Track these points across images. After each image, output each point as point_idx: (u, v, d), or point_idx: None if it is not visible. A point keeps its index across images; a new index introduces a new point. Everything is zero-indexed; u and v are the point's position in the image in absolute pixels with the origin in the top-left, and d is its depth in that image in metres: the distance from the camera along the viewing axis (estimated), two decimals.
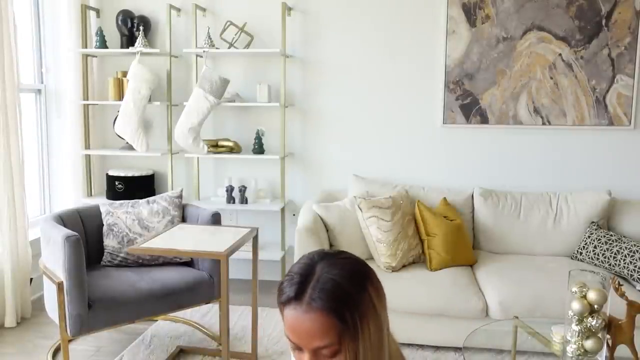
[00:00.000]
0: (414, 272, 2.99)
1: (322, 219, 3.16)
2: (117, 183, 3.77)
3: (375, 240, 3.08)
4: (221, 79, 3.51)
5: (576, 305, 1.69)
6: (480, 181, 3.67)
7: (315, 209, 3.18)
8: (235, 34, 3.70)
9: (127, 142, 3.78)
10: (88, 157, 3.97)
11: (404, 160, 3.77)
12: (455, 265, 3.10)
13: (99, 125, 4.06)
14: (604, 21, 3.45)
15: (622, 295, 1.84)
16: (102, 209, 2.94)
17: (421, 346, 2.92)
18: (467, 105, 3.63)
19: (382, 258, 3.06)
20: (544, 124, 3.58)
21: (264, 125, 3.82)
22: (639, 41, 3.43)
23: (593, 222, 3.25)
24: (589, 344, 1.71)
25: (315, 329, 0.91)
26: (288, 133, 3.84)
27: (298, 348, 0.96)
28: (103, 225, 2.92)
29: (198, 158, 3.89)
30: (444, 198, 3.37)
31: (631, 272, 2.92)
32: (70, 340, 2.71)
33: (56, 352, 2.82)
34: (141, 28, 3.71)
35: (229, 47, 3.69)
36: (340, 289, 0.92)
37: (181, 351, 2.88)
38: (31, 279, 3.36)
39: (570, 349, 1.74)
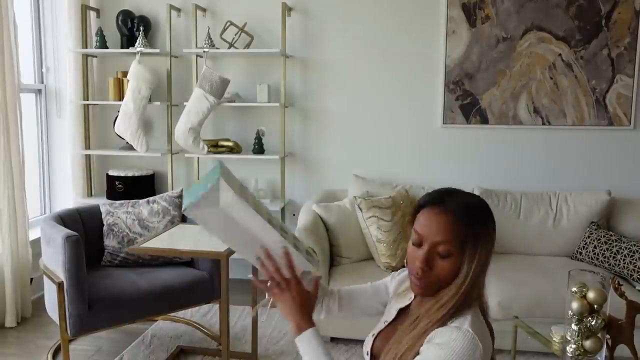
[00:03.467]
0: None
1: (322, 219, 3.16)
2: (117, 183, 3.78)
3: (375, 240, 3.08)
4: (221, 79, 3.51)
5: (576, 305, 1.69)
6: (480, 181, 3.67)
7: (315, 209, 3.18)
8: (235, 34, 3.71)
9: (127, 142, 3.78)
10: (88, 157, 3.97)
11: (404, 160, 3.77)
12: None
13: (99, 125, 4.06)
14: (603, 21, 3.45)
15: (622, 295, 1.84)
16: (102, 209, 2.95)
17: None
18: (467, 105, 3.63)
19: (382, 258, 3.06)
20: (543, 124, 3.59)
21: (264, 125, 3.82)
22: (639, 41, 3.43)
23: (593, 222, 3.26)
24: (588, 344, 1.71)
25: (443, 226, 1.09)
26: (288, 133, 3.85)
27: (419, 244, 1.12)
28: (103, 225, 2.92)
29: (198, 158, 3.89)
30: None
31: (631, 272, 2.93)
32: (70, 340, 2.71)
33: (56, 352, 2.82)
34: (141, 28, 3.71)
35: (229, 47, 3.69)
36: (475, 209, 1.12)
37: (181, 351, 2.88)
38: (31, 279, 3.36)
39: (570, 348, 1.74)
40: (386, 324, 1.29)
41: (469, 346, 1.04)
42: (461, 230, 1.08)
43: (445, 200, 1.12)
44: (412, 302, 1.26)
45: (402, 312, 1.27)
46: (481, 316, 1.15)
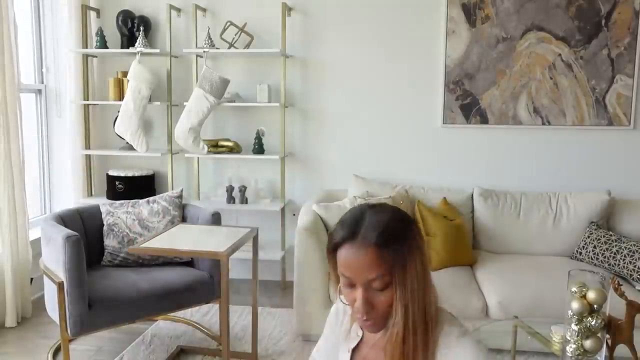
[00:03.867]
0: None
1: (322, 219, 3.16)
2: (117, 183, 3.78)
3: None
4: (221, 79, 3.52)
5: (576, 305, 1.70)
6: (480, 181, 3.68)
7: (315, 209, 3.18)
8: (235, 34, 3.71)
9: (127, 142, 3.78)
10: (88, 157, 3.97)
11: (404, 160, 3.77)
12: (455, 265, 3.10)
13: (99, 125, 4.06)
14: (603, 21, 3.45)
15: (622, 295, 1.85)
16: (103, 209, 2.95)
17: None
18: (467, 105, 3.63)
19: None
20: (543, 124, 3.59)
21: (264, 125, 3.82)
22: (639, 41, 3.43)
23: (593, 222, 3.26)
24: (588, 343, 1.71)
25: (368, 262, 1.01)
26: (288, 133, 3.85)
27: (351, 285, 1.05)
28: (103, 225, 2.92)
29: (198, 158, 3.89)
30: (444, 198, 3.37)
31: (631, 272, 2.93)
32: (70, 340, 2.71)
33: (56, 352, 2.82)
34: (141, 28, 3.71)
35: (229, 47, 3.69)
36: (389, 226, 1.04)
37: (181, 351, 2.88)
38: (31, 279, 3.36)
39: (570, 348, 1.75)
40: None
41: (483, 351, 1.04)
42: (386, 256, 1.01)
43: (357, 230, 1.03)
44: (362, 338, 1.19)
45: (355, 352, 1.20)
46: (451, 315, 1.12)
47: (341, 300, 1.10)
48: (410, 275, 1.02)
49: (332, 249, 1.07)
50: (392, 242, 1.02)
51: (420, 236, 1.07)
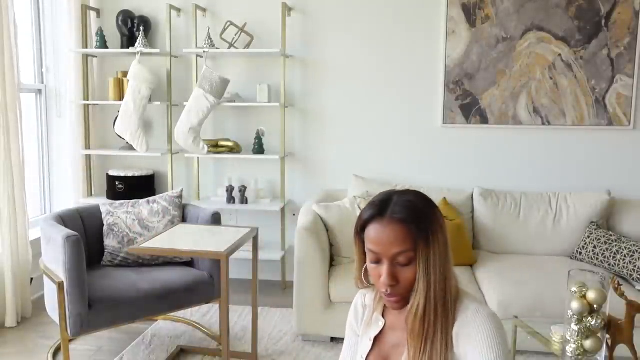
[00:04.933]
0: None
1: (322, 219, 3.16)
2: (117, 183, 3.78)
3: None
4: (221, 79, 3.52)
5: (576, 305, 1.70)
6: (480, 181, 3.68)
7: (315, 209, 3.18)
8: (235, 34, 3.71)
9: (127, 142, 3.78)
10: (88, 157, 3.97)
11: (404, 160, 3.77)
12: (455, 265, 3.06)
13: (99, 125, 4.06)
14: (603, 21, 3.45)
15: (622, 295, 1.85)
16: (103, 209, 2.95)
17: None
18: (467, 105, 3.63)
19: None
20: (543, 124, 3.59)
21: (264, 125, 3.83)
22: (639, 41, 3.43)
23: (593, 222, 3.26)
24: (588, 343, 1.71)
25: (395, 237, 1.09)
26: (288, 133, 3.85)
27: (377, 261, 1.13)
28: (103, 225, 2.92)
29: (198, 158, 3.89)
30: (444, 198, 3.37)
31: (631, 272, 2.93)
32: (70, 340, 2.71)
33: (56, 351, 2.82)
34: (141, 28, 3.71)
35: (229, 47, 3.69)
36: (415, 206, 1.13)
37: (181, 351, 2.88)
38: (31, 279, 3.36)
39: (570, 348, 1.75)
40: (364, 357, 1.26)
41: (498, 323, 1.11)
42: (412, 233, 1.09)
43: (385, 209, 1.12)
44: (384, 326, 1.25)
45: (378, 339, 1.25)
46: (470, 294, 1.19)
47: (363, 282, 1.21)
48: (434, 252, 1.09)
49: (361, 228, 1.15)
50: (418, 221, 1.10)
51: (442, 218, 1.15)
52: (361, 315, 1.32)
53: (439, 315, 1.10)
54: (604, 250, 3.07)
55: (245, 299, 3.54)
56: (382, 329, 1.24)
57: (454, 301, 1.13)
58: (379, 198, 1.16)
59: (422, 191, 3.77)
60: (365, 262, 1.17)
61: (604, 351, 1.79)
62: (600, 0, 3.44)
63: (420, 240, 1.09)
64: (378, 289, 1.15)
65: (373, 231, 1.12)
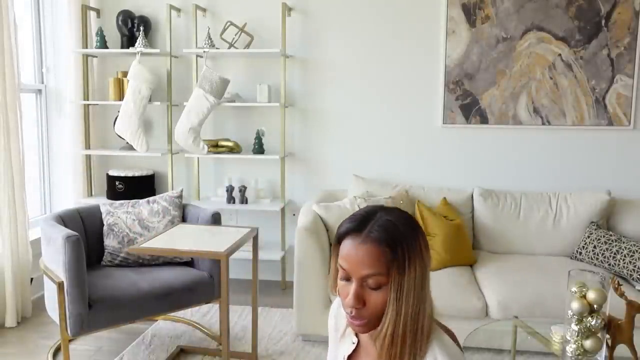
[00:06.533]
0: None
1: (322, 219, 3.16)
2: (117, 183, 3.78)
3: None
4: (221, 79, 3.52)
5: (576, 305, 1.70)
6: (480, 181, 3.68)
7: (315, 209, 3.18)
8: (235, 34, 3.71)
9: (127, 142, 3.78)
10: (88, 157, 3.97)
11: (404, 160, 3.77)
12: (455, 265, 3.10)
13: (99, 125, 4.06)
14: (603, 21, 3.45)
15: (622, 295, 1.85)
16: (103, 209, 2.95)
17: None
18: (467, 105, 3.63)
19: None
20: (543, 124, 3.59)
21: (264, 125, 3.83)
22: (639, 41, 3.43)
23: (593, 222, 3.26)
24: (588, 343, 1.71)
25: (368, 257, 1.01)
26: (288, 133, 3.85)
27: (347, 278, 1.05)
28: (103, 225, 2.92)
29: (198, 158, 3.89)
30: (444, 198, 3.37)
31: (631, 272, 2.93)
32: (70, 340, 2.72)
33: (57, 351, 2.82)
34: (141, 28, 3.71)
35: (229, 47, 3.69)
36: (396, 228, 1.03)
37: (181, 351, 2.88)
38: (32, 279, 3.36)
39: (570, 348, 1.75)
40: None
41: None
42: (386, 256, 1.00)
43: (364, 226, 1.04)
44: (359, 345, 1.17)
45: (352, 358, 1.18)
46: (444, 334, 1.10)
47: (333, 293, 1.11)
48: (408, 280, 1.01)
49: (337, 240, 1.08)
50: (396, 244, 1.01)
51: (426, 247, 1.06)
52: (337, 324, 1.25)
53: (407, 347, 1.02)
54: (604, 250, 3.07)
55: (245, 299, 3.54)
56: (356, 348, 1.17)
57: (426, 333, 1.05)
58: (362, 212, 1.08)
59: (422, 191, 3.73)
60: (337, 276, 1.09)
61: (604, 351, 1.79)
62: (600, 0, 3.44)
63: (394, 265, 1.00)
64: (344, 308, 1.07)
65: (346, 247, 1.04)
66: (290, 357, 2.83)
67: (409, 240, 1.03)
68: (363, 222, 1.05)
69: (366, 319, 1.04)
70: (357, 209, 3.14)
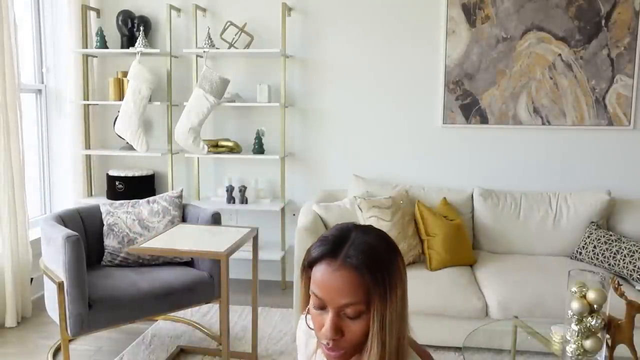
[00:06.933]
0: (413, 272, 2.99)
1: (322, 219, 3.16)
2: (117, 183, 3.78)
3: None
4: (221, 79, 3.52)
5: (576, 305, 1.70)
6: (480, 181, 3.68)
7: (315, 209, 3.18)
8: (236, 34, 3.71)
9: (127, 142, 3.78)
10: (88, 157, 3.97)
11: (404, 160, 3.77)
12: (455, 265, 3.10)
13: (99, 125, 4.06)
14: (603, 21, 3.45)
15: (622, 295, 1.85)
16: (103, 209, 2.95)
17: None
18: (467, 105, 3.63)
19: None
20: (543, 124, 3.59)
21: (264, 125, 3.83)
22: (639, 41, 3.43)
23: (593, 222, 3.26)
24: (588, 343, 1.71)
25: (346, 285, 0.92)
26: (288, 133, 3.85)
27: (322, 307, 0.95)
28: (103, 225, 2.92)
29: (198, 158, 3.89)
30: (444, 198, 3.37)
31: (630, 272, 2.93)
32: (70, 340, 2.72)
33: (57, 351, 2.82)
34: (141, 28, 3.71)
35: (229, 47, 3.69)
36: (375, 252, 0.94)
37: (181, 351, 2.88)
38: (32, 279, 3.36)
39: (570, 348, 1.75)
40: None
41: None
42: (366, 284, 0.92)
43: (339, 250, 0.94)
44: None
45: None
46: (417, 357, 1.04)
47: (307, 324, 1.01)
48: (390, 309, 0.93)
49: (308, 265, 0.97)
50: (375, 270, 0.92)
51: (404, 267, 0.98)
52: (307, 342, 1.16)
53: None
54: (604, 250, 3.07)
55: (245, 299, 3.54)
56: None
57: (404, 358, 0.98)
58: (335, 233, 0.98)
59: (422, 191, 3.72)
60: (309, 301, 0.99)
61: (604, 351, 1.79)
62: (600, 0, 3.44)
63: (375, 294, 0.92)
64: (318, 338, 0.97)
65: (320, 273, 0.94)
66: (290, 357, 2.83)
67: (390, 264, 0.95)
68: (337, 244, 0.95)
69: (344, 350, 0.96)
70: (357, 209, 3.14)
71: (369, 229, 0.99)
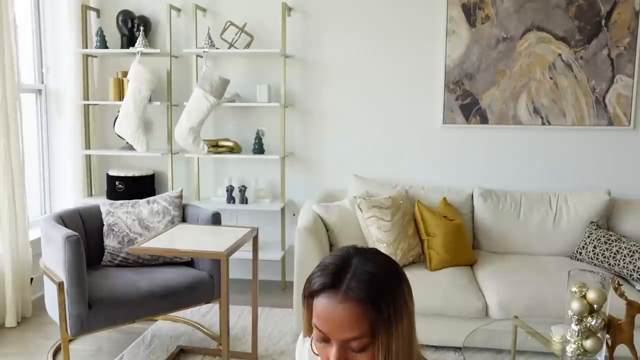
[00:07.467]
0: (413, 272, 2.99)
1: (322, 219, 3.16)
2: (117, 183, 3.78)
3: (375, 240, 3.09)
4: (221, 79, 3.52)
5: (576, 305, 1.70)
6: (480, 181, 3.68)
7: (315, 209, 3.18)
8: (236, 34, 3.71)
9: (128, 142, 3.78)
10: (88, 157, 3.97)
11: (404, 160, 3.77)
12: (455, 265, 3.10)
13: (99, 125, 4.06)
14: (603, 21, 3.45)
15: (622, 295, 1.85)
16: (103, 209, 2.95)
17: (421, 346, 2.92)
18: (467, 105, 3.63)
19: None
20: (543, 124, 3.59)
21: (264, 125, 3.83)
22: (639, 41, 3.43)
23: (593, 222, 3.26)
24: (588, 343, 1.71)
25: (349, 319, 0.88)
26: (288, 133, 3.85)
27: (325, 340, 0.92)
28: (103, 225, 2.92)
29: (198, 158, 3.89)
30: (444, 198, 3.37)
31: (631, 272, 2.93)
32: (70, 340, 2.71)
33: (57, 352, 2.82)
34: (141, 28, 3.71)
35: (229, 47, 3.69)
36: (378, 281, 0.90)
37: (181, 351, 2.88)
38: (32, 279, 3.36)
39: (570, 348, 1.75)
40: None
41: None
42: (371, 316, 0.88)
43: (341, 280, 0.90)
44: None
45: None
46: None
47: (313, 351, 0.96)
48: (397, 339, 0.90)
49: (309, 295, 0.93)
50: (380, 300, 0.89)
51: (409, 293, 0.95)
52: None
53: None
54: (604, 250, 3.07)
55: (245, 299, 3.54)
56: None
57: None
58: (335, 261, 0.93)
59: (422, 191, 3.70)
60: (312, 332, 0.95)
61: (604, 351, 1.79)
62: (600, 0, 3.44)
63: (379, 325, 0.88)
64: None
65: (322, 306, 0.90)
66: (290, 357, 2.83)
67: (394, 292, 0.91)
68: (338, 274, 0.91)
69: None
70: (357, 209, 3.14)
71: (371, 254, 0.95)
